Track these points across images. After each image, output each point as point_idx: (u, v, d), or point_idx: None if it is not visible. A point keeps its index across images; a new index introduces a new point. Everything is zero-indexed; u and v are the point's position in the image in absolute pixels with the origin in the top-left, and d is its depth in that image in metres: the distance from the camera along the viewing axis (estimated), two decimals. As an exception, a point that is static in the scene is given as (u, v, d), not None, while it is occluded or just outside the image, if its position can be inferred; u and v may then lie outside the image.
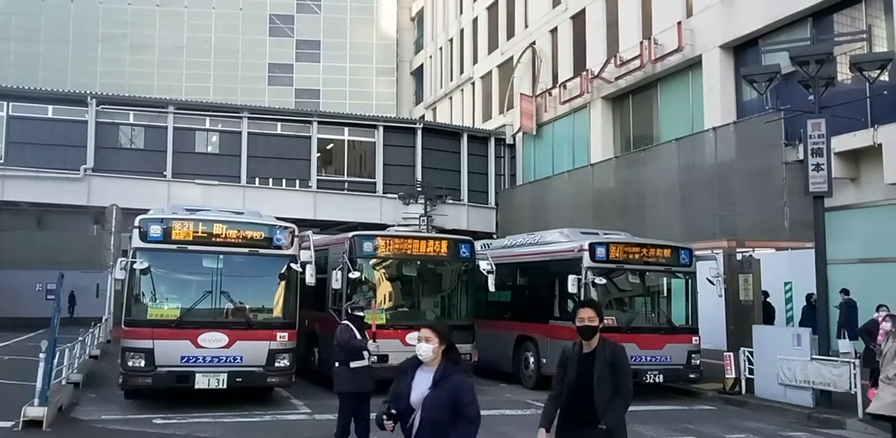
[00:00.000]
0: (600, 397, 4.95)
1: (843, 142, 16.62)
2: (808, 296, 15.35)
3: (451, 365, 4.70)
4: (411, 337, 12.17)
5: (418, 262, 13.87)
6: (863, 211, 17.72)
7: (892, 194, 16.83)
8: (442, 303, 14.34)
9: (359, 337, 8.65)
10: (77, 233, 32.69)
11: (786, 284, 17.54)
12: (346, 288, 12.79)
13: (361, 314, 9.04)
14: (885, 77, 13.47)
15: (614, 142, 27.75)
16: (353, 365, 8.44)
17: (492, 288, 13.89)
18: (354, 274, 12.75)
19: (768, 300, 16.55)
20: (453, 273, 14.19)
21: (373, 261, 13.54)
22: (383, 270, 13.83)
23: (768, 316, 15.61)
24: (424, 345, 4.69)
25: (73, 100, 26.81)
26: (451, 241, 13.99)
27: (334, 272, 12.70)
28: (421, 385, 4.62)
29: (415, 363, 4.75)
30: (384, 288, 13.81)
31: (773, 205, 18.58)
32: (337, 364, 8.55)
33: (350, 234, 13.63)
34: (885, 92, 16.19)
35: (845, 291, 16.43)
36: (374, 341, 8.77)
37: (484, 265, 13.93)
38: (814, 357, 11.79)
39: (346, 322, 8.88)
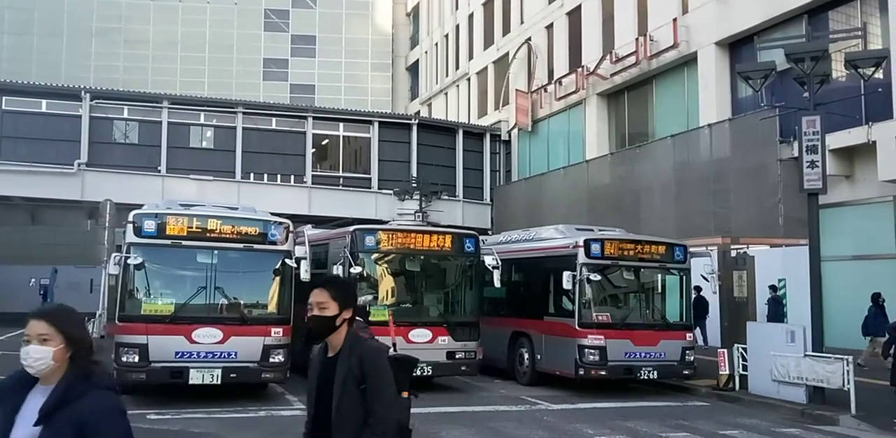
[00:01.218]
0: (339, 427, 3.32)
1: (837, 140, 16.66)
2: (875, 296, 15.34)
3: (79, 380, 2.78)
4: (415, 333, 12.47)
5: (422, 257, 13.48)
6: (857, 208, 17.78)
7: (886, 191, 16.89)
8: (446, 300, 14.02)
9: None
10: (71, 228, 32.56)
11: (780, 281, 17.59)
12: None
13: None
14: (879, 74, 13.51)
15: (609, 138, 27.78)
16: None
17: (497, 283, 13.66)
18: (356, 270, 12.36)
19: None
20: (458, 268, 13.86)
21: (375, 256, 13.18)
22: (385, 265, 13.47)
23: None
24: (36, 348, 2.73)
25: (67, 94, 26.69)
26: (456, 236, 13.67)
27: (335, 267, 12.46)
28: (28, 419, 2.71)
29: (23, 379, 2.80)
30: (386, 284, 13.51)
31: (768, 201, 18.63)
32: None
33: (352, 228, 13.18)
34: (880, 89, 16.25)
35: (773, 288, 16.50)
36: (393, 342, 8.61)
37: (489, 260, 13.60)
38: (807, 353, 11.82)
39: None
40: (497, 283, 13.79)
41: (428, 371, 12.41)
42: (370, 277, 13.15)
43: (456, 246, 13.48)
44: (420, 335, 12.58)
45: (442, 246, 13.39)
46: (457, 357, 12.91)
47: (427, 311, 13.51)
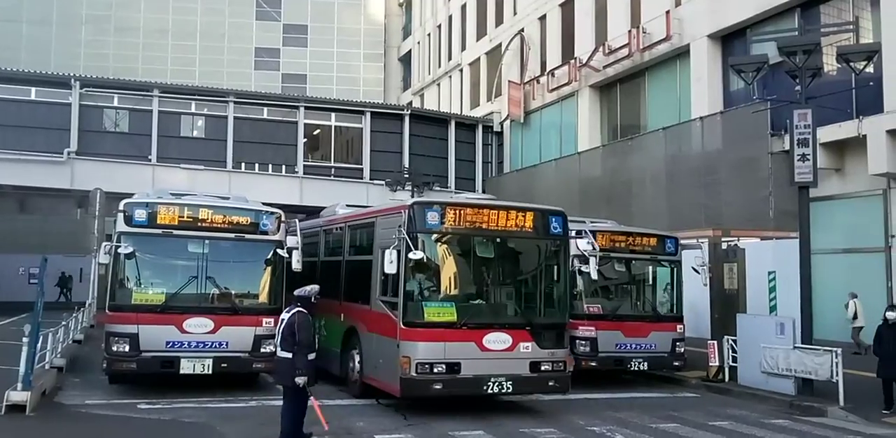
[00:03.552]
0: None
1: (828, 133, 16.71)
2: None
3: None
4: (490, 339, 10.03)
5: (498, 240, 10.69)
6: (846, 201, 17.87)
7: (876, 185, 16.98)
8: (528, 294, 11.10)
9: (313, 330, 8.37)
10: (61, 217, 32.45)
11: (770, 273, 17.67)
12: (405, 273, 9.92)
13: (315, 301, 8.47)
14: (870, 68, 13.54)
15: (601, 130, 27.80)
16: (311, 356, 8.08)
17: (594, 275, 11.94)
18: (417, 255, 9.78)
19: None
20: (542, 254, 11.07)
21: (437, 238, 10.36)
22: (452, 250, 10.56)
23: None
24: None
25: (57, 82, 26.50)
26: (540, 213, 10.90)
27: (387, 252, 9.92)
28: None
29: None
30: (452, 274, 10.63)
31: (759, 194, 18.69)
32: (286, 353, 8.11)
33: (409, 202, 10.53)
34: (871, 83, 16.30)
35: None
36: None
37: (583, 244, 11.69)
38: (796, 345, 11.90)
39: (301, 308, 8.28)
40: (594, 275, 11.94)
41: (507, 388, 10.04)
42: (430, 265, 10.31)
43: (540, 225, 10.79)
44: (497, 340, 10.06)
45: (522, 226, 10.69)
46: (542, 368, 10.30)
47: (505, 310, 10.80)
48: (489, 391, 9.91)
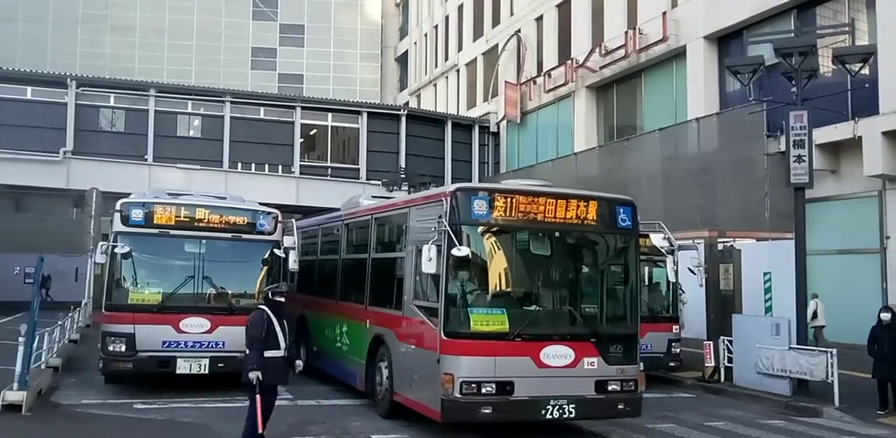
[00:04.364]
0: None
1: (824, 135, 16.77)
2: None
3: None
4: (548, 353, 8.42)
5: (556, 234, 9.06)
6: (842, 202, 17.92)
7: (871, 186, 17.04)
8: (592, 299, 9.46)
9: (277, 325, 8.04)
10: (56, 217, 32.39)
11: (765, 274, 17.70)
12: (446, 273, 8.36)
13: (281, 299, 8.19)
14: (865, 70, 13.60)
15: (598, 131, 27.84)
16: (267, 354, 7.95)
17: (671, 276, 10.19)
18: (461, 251, 8.18)
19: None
20: (608, 251, 9.48)
21: (484, 231, 8.65)
22: (502, 246, 8.77)
23: None
24: None
25: (53, 81, 26.47)
26: (606, 202, 9.24)
27: (424, 249, 8.34)
28: None
29: None
30: (502, 275, 8.75)
31: (755, 195, 18.74)
32: (247, 351, 8.09)
33: (451, 188, 8.83)
34: (867, 85, 16.35)
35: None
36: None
37: (658, 240, 9.77)
38: (792, 346, 11.94)
39: (263, 307, 8.19)
40: (671, 277, 10.27)
41: (569, 412, 8.43)
42: (477, 263, 8.62)
43: (606, 216, 9.13)
44: (557, 355, 8.46)
45: (585, 217, 9.00)
46: (610, 389, 8.71)
47: (565, 318, 9.11)
48: (548, 415, 8.33)
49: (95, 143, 26.27)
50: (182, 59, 55.12)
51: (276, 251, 11.66)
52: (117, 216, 11.27)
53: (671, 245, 9.80)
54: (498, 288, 8.62)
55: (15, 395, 9.39)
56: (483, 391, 8.14)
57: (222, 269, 11.65)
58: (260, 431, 7.95)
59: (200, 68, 54.45)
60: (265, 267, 11.73)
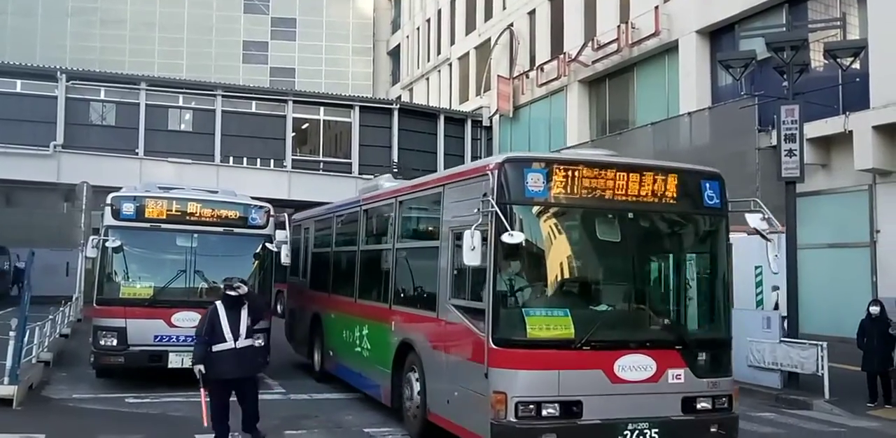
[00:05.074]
0: None
1: (815, 129, 16.81)
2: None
3: None
4: (624, 364, 6.76)
5: (630, 215, 7.24)
6: (832, 196, 17.98)
7: (862, 180, 17.10)
8: (674, 296, 7.70)
9: (225, 321, 7.86)
10: (47, 211, 32.22)
11: (756, 268, 17.77)
12: (495, 265, 6.73)
13: (232, 293, 7.94)
14: (857, 65, 13.64)
15: (590, 125, 27.85)
16: (215, 349, 7.84)
17: (773, 267, 7.70)
18: (515, 238, 6.47)
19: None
20: (694, 236, 7.84)
21: (541, 211, 6.98)
22: (564, 230, 7.13)
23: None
24: None
25: (43, 74, 26.32)
26: (688, 175, 7.52)
27: (465, 235, 6.56)
28: None
29: None
30: (565, 267, 7.10)
31: (746, 189, 18.73)
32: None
33: (499, 158, 7.07)
34: (858, 79, 16.40)
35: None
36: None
37: (756, 221, 7.52)
38: (782, 339, 12.00)
39: (218, 302, 8.09)
40: (775, 268, 7.75)
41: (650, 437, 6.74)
42: (533, 252, 6.98)
43: (690, 193, 7.43)
44: (635, 366, 6.80)
45: (664, 194, 7.25)
46: (700, 407, 7.02)
47: (643, 320, 7.42)
48: None
49: (86, 137, 26.17)
50: (173, 53, 54.88)
51: (268, 245, 11.64)
52: (108, 210, 11.25)
53: (774, 225, 7.68)
54: (560, 284, 7.04)
55: (6, 389, 9.38)
56: (544, 413, 6.54)
57: (214, 263, 11.59)
58: (205, 424, 7.94)
59: (191, 62, 54.26)
60: (257, 262, 11.72)
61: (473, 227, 6.58)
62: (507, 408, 6.49)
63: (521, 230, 6.62)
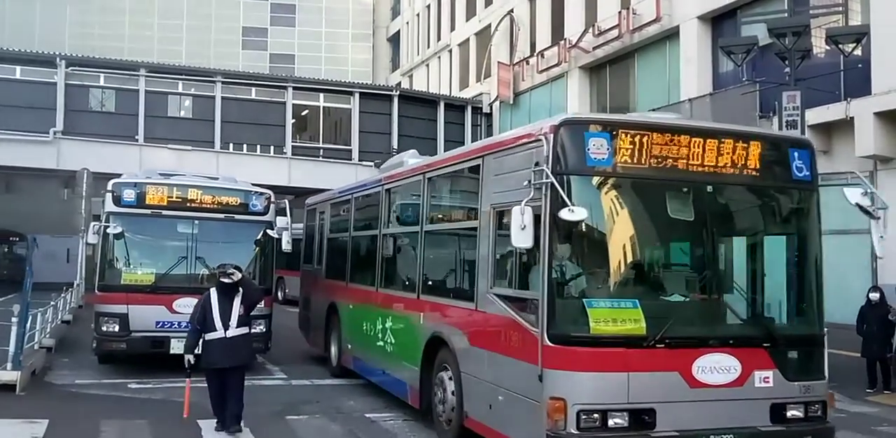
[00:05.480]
0: None
1: (816, 115, 16.75)
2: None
3: None
4: (704, 365, 5.75)
5: (708, 189, 6.15)
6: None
7: (863, 167, 17.05)
8: (760, 285, 6.65)
9: (216, 310, 7.76)
10: (47, 197, 32.21)
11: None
12: (549, 247, 5.66)
13: (226, 280, 7.80)
14: (858, 51, 13.59)
15: (591, 111, 27.72)
16: (207, 337, 7.77)
17: (878, 250, 6.82)
18: (575, 214, 5.38)
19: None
20: (779, 213, 6.84)
21: (603, 182, 5.91)
22: (630, 206, 6.07)
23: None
24: None
25: (42, 61, 26.26)
26: (772, 144, 6.46)
27: (515, 212, 5.51)
28: None
29: None
30: (633, 250, 6.10)
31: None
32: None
33: (556, 120, 5.94)
34: (860, 65, 16.34)
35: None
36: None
37: (857, 197, 6.65)
38: (782, 325, 12.01)
39: (212, 288, 7.97)
40: (879, 249, 6.86)
41: None
42: (595, 232, 5.96)
43: (775, 163, 6.40)
44: (716, 368, 5.79)
45: (745, 164, 6.19)
46: (791, 415, 6.02)
47: (725, 314, 6.44)
48: None
49: (86, 124, 26.12)
50: (172, 39, 54.71)
51: (269, 231, 11.66)
52: (109, 196, 11.24)
53: (876, 204, 6.63)
54: (627, 270, 6.04)
55: (9, 375, 9.42)
56: (610, 424, 5.54)
57: (215, 249, 11.60)
58: (185, 415, 8.02)
59: (191, 48, 54.09)
60: (258, 248, 11.74)
61: (524, 203, 5.54)
62: (566, 417, 5.47)
63: (582, 205, 5.46)
